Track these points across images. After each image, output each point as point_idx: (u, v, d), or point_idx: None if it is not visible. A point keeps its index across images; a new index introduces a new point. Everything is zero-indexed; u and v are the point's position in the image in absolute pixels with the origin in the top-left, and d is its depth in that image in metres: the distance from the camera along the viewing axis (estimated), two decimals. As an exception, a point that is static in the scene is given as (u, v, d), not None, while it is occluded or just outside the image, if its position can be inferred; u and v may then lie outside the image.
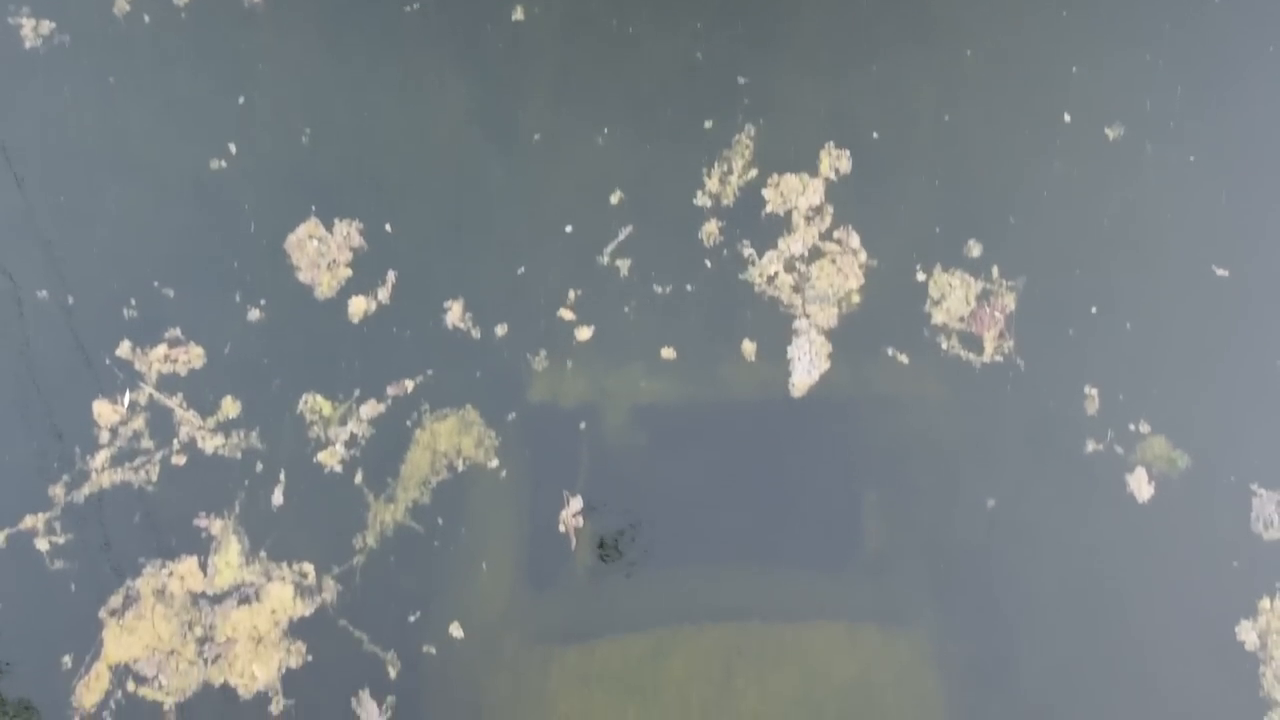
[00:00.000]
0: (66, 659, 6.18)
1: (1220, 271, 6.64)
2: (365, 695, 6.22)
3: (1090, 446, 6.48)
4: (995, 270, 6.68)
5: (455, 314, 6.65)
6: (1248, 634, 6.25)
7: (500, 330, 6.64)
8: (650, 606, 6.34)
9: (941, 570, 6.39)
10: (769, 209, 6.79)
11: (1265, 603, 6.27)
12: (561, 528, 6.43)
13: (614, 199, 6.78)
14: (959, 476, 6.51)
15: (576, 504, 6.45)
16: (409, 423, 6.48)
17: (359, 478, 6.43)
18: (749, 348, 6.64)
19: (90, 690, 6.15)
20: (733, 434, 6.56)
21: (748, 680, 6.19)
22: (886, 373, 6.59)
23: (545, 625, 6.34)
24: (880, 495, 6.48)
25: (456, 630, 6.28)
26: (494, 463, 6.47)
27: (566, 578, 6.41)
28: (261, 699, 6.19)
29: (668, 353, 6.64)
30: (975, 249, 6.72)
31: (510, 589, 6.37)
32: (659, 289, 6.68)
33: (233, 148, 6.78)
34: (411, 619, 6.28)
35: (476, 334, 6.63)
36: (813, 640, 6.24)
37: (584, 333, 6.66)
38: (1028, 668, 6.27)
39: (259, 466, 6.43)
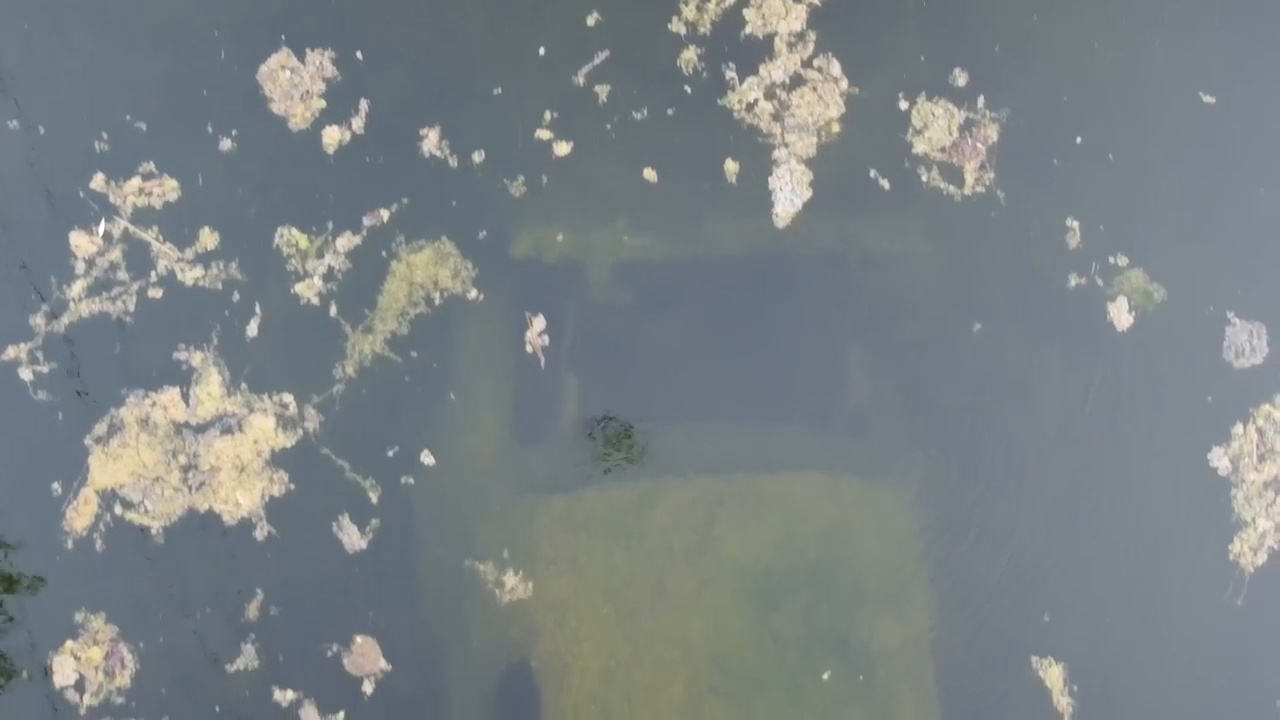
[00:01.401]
0: (56, 485, 6.30)
1: (1207, 99, 6.49)
2: (346, 520, 6.33)
3: (1073, 281, 6.43)
4: (980, 100, 6.53)
5: (431, 141, 6.55)
6: (1220, 460, 6.30)
7: (477, 157, 6.55)
8: (634, 461, 6.39)
9: (922, 421, 6.42)
10: (749, 30, 6.60)
11: (1238, 428, 6.32)
12: (528, 348, 6.43)
13: (590, 21, 6.61)
14: (942, 328, 6.47)
15: (540, 323, 6.44)
16: (385, 254, 6.44)
17: (336, 310, 6.41)
18: (731, 167, 6.54)
19: (79, 515, 6.26)
20: (717, 291, 6.51)
21: (729, 527, 6.28)
22: (869, 222, 6.47)
23: (532, 475, 6.39)
24: (863, 349, 6.47)
25: (428, 458, 6.34)
26: (473, 293, 6.45)
27: (553, 429, 6.45)
28: (246, 525, 6.31)
29: (649, 173, 6.54)
30: (961, 78, 6.55)
31: (498, 438, 6.40)
32: (637, 115, 6.55)
33: (198, -29, 6.61)
34: (390, 452, 6.35)
35: (453, 162, 6.54)
36: (794, 490, 6.32)
37: (563, 148, 6.54)
38: (1004, 510, 6.33)
39: (236, 297, 6.41)
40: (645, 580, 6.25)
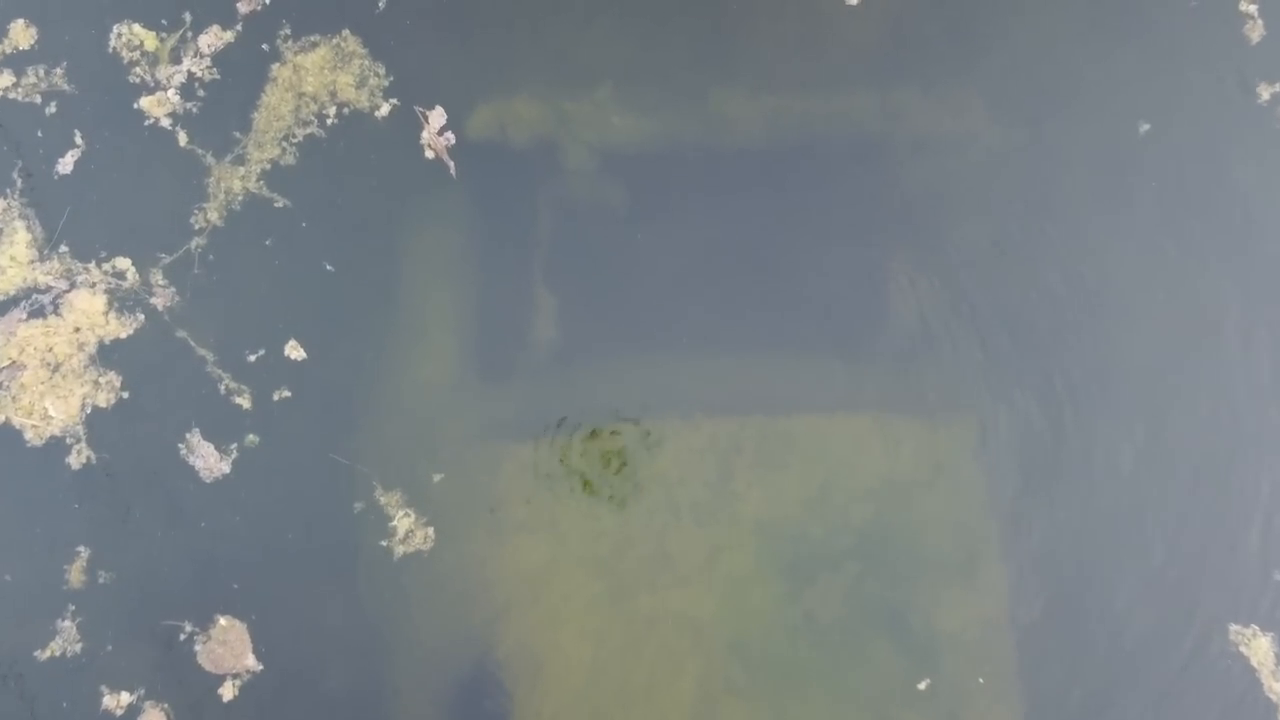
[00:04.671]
0: None
1: None
2: (196, 437, 4.78)
3: (1264, 93, 4.96)
4: None
5: (332, -108, 5.26)
6: None
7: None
8: (628, 399, 5.34)
9: (995, 346, 5.25)
10: None
11: None
12: (429, 153, 5.13)
13: None
14: (1023, 212, 5.15)
15: (438, 118, 5.11)
16: (265, 50, 5.04)
17: (192, 136, 4.98)
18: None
19: None
20: (728, 181, 5.33)
21: (750, 481, 5.31)
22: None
23: (495, 415, 5.28)
24: (913, 255, 5.36)
25: (296, 351, 4.93)
26: (383, 108, 5.05)
27: (521, 355, 5.26)
28: (58, 447, 4.84)
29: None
30: None
31: (445, 352, 5.22)
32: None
33: None
34: (253, 357, 4.86)
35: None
36: (832, 435, 5.40)
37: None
38: (1098, 456, 5.02)
39: (52, 111, 4.99)
40: (644, 548, 5.26)
